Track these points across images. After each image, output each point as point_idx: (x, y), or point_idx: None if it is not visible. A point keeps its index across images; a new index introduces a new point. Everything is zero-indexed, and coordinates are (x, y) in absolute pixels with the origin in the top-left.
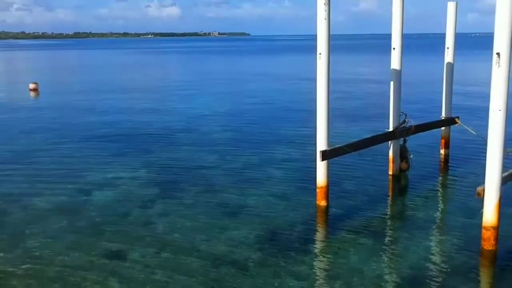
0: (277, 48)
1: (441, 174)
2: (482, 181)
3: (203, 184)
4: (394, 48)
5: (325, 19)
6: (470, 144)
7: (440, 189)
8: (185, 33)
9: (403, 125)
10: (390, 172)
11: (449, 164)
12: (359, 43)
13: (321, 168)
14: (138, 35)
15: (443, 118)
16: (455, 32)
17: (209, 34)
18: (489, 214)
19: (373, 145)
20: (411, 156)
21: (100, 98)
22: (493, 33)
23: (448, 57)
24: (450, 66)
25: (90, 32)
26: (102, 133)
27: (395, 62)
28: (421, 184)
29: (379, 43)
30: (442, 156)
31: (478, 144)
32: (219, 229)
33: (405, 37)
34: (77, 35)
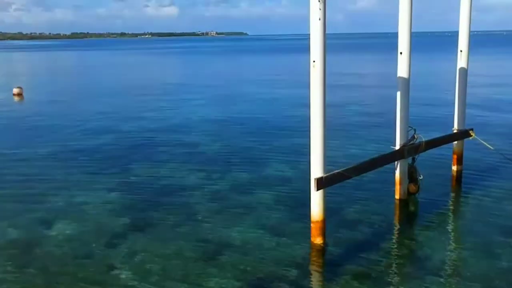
0: (275, 48)
1: (453, 196)
2: (499, 203)
3: (182, 212)
4: (401, 53)
5: (319, 19)
6: (485, 159)
7: (453, 216)
8: (183, 33)
9: (412, 142)
10: (397, 196)
11: (462, 183)
12: (355, 43)
13: (317, 198)
14: (136, 35)
15: (455, 131)
16: (469, 32)
17: (207, 33)
18: None
19: (377, 168)
20: (421, 177)
21: (84, 104)
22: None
23: (462, 61)
24: (464, 72)
25: (88, 33)
26: (77, 146)
27: (402, 68)
28: (432, 209)
29: (377, 43)
30: (454, 174)
31: (493, 159)
32: (196, 276)
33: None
34: (74, 35)
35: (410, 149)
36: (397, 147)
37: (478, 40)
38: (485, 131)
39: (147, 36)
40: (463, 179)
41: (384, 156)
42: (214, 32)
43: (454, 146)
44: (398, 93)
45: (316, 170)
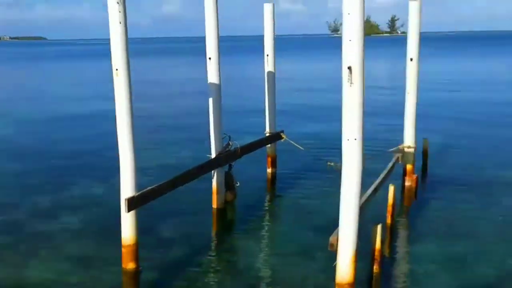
0: (76, 54)
1: (269, 199)
2: (313, 201)
3: None
4: (210, 58)
5: (120, 23)
6: (297, 159)
7: (270, 220)
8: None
9: (227, 149)
10: (214, 206)
11: (277, 185)
12: (163, 47)
13: (128, 220)
14: None
15: (267, 134)
16: (274, 36)
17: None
18: (345, 269)
19: (194, 179)
20: (238, 184)
21: None
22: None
23: (269, 65)
24: (272, 75)
25: None
26: None
27: (212, 74)
28: (250, 215)
29: (185, 47)
30: (269, 176)
31: (305, 159)
32: None
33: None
34: None
35: (226, 157)
36: (213, 155)
37: (280, 44)
38: (295, 132)
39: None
40: (278, 181)
41: (200, 166)
42: (8, 37)
43: (268, 149)
44: (210, 100)
45: (127, 189)
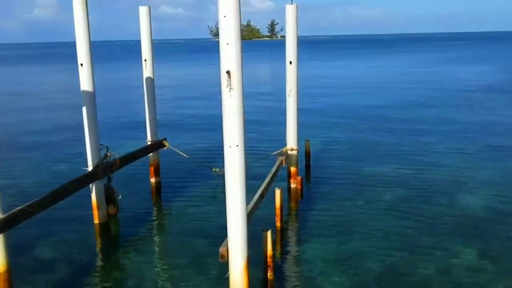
0: None
1: (155, 210)
2: (199, 208)
3: None
4: (81, 64)
5: None
6: (182, 167)
7: (157, 231)
8: None
9: (105, 161)
10: (96, 221)
11: (162, 195)
12: (35, 53)
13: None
14: None
15: (149, 143)
16: (152, 40)
17: None
18: (237, 279)
19: (70, 194)
20: (120, 197)
21: None
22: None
23: (147, 71)
24: (150, 81)
25: None
26: None
27: (85, 81)
28: (135, 228)
29: (58, 53)
30: (153, 186)
31: (190, 166)
32: None
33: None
34: None
35: (105, 169)
36: (90, 168)
37: (159, 48)
38: (179, 140)
39: None
40: (163, 190)
41: (75, 180)
42: None
43: (150, 158)
44: (84, 109)
45: None
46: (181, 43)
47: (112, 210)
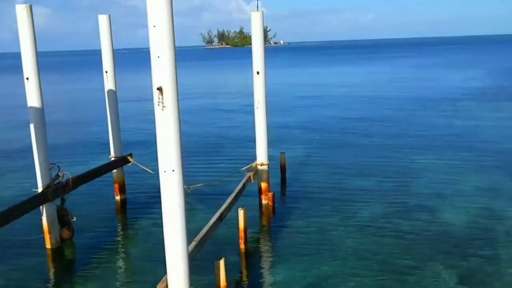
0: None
1: (119, 230)
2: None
3: None
4: (27, 78)
5: None
6: (147, 183)
7: (116, 254)
8: None
9: (57, 181)
10: (48, 246)
11: (128, 214)
12: None
13: None
14: None
15: (112, 159)
16: (113, 50)
17: None
18: None
19: (17, 218)
20: (74, 219)
21: None
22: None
23: (109, 83)
24: (113, 94)
25: None
26: None
27: (32, 96)
28: (92, 252)
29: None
30: (119, 204)
31: (157, 182)
32: None
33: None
34: None
35: (56, 190)
36: (40, 189)
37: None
38: (144, 155)
39: None
40: (128, 209)
41: (23, 203)
42: None
43: (114, 175)
44: (32, 126)
45: None
46: (144, 51)
47: (66, 233)
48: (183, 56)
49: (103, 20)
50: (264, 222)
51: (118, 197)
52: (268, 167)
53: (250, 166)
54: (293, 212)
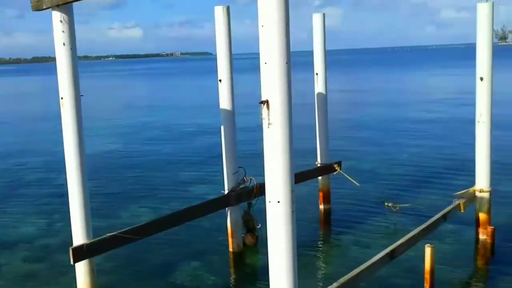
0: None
1: (320, 240)
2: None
3: None
4: (220, 80)
5: (64, 44)
6: (352, 194)
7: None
8: (147, 54)
9: (242, 185)
10: (231, 249)
11: (332, 225)
12: None
13: (81, 275)
14: (99, 57)
15: (318, 165)
16: (325, 51)
17: (171, 54)
18: None
19: (199, 217)
20: (259, 226)
21: None
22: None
23: (319, 86)
24: (322, 97)
25: (49, 57)
26: None
27: (224, 97)
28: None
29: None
30: (322, 214)
31: (359, 195)
32: None
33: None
34: (35, 59)
35: (240, 195)
36: (226, 191)
37: (431, 54)
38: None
39: (110, 58)
40: (333, 220)
41: (205, 203)
42: (179, 53)
43: (320, 183)
44: (222, 128)
45: (78, 235)
46: (460, 48)
47: (249, 239)
48: (468, 53)
49: (317, 19)
50: (479, 263)
51: (322, 206)
52: (490, 194)
53: (466, 192)
54: None
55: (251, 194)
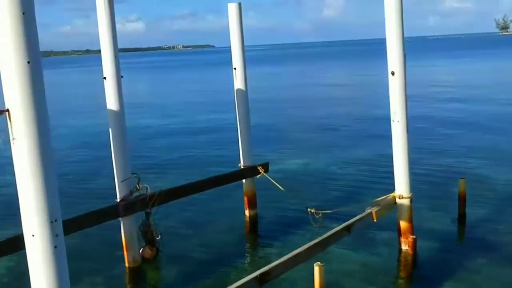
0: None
1: (249, 248)
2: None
3: None
4: (105, 79)
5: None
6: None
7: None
8: (149, 48)
9: (136, 193)
10: (127, 264)
11: (259, 232)
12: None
13: None
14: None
15: (242, 167)
16: (243, 44)
17: (174, 47)
18: None
19: (87, 227)
20: (159, 237)
21: None
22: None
23: (238, 81)
24: (243, 94)
25: (52, 51)
26: None
27: (110, 96)
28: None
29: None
30: (248, 220)
31: (286, 200)
32: None
33: None
34: None
35: (133, 204)
36: (119, 200)
37: (425, 45)
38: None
39: None
40: (260, 227)
41: (90, 214)
42: (181, 46)
43: (244, 186)
44: (111, 130)
45: None
46: (461, 38)
47: (147, 253)
48: (469, 43)
49: (232, 9)
50: (400, 277)
51: (247, 212)
52: (411, 201)
53: (385, 198)
54: (447, 267)
55: (146, 203)
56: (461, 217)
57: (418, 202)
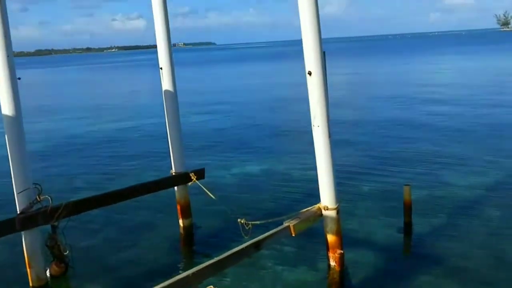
0: (243, 57)
1: (184, 262)
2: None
3: None
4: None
5: None
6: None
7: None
8: (149, 45)
9: (40, 205)
10: (31, 284)
11: (194, 244)
12: None
13: None
14: (102, 49)
15: (173, 174)
16: (170, 42)
17: (175, 45)
18: None
19: None
20: (67, 252)
21: None
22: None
23: (165, 82)
24: (171, 95)
25: (52, 49)
26: None
27: (2, 98)
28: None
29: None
30: (182, 230)
31: (219, 210)
32: None
33: None
34: (38, 52)
35: (33, 217)
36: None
37: (432, 41)
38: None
39: (113, 50)
40: (195, 238)
41: None
42: (182, 43)
43: (177, 194)
44: (7, 136)
45: None
46: (461, 35)
47: (54, 269)
48: (468, 39)
49: (156, 5)
50: None
51: (181, 221)
52: (338, 212)
53: (309, 210)
54: (385, 283)
55: (49, 216)
56: (407, 226)
57: (360, 212)
